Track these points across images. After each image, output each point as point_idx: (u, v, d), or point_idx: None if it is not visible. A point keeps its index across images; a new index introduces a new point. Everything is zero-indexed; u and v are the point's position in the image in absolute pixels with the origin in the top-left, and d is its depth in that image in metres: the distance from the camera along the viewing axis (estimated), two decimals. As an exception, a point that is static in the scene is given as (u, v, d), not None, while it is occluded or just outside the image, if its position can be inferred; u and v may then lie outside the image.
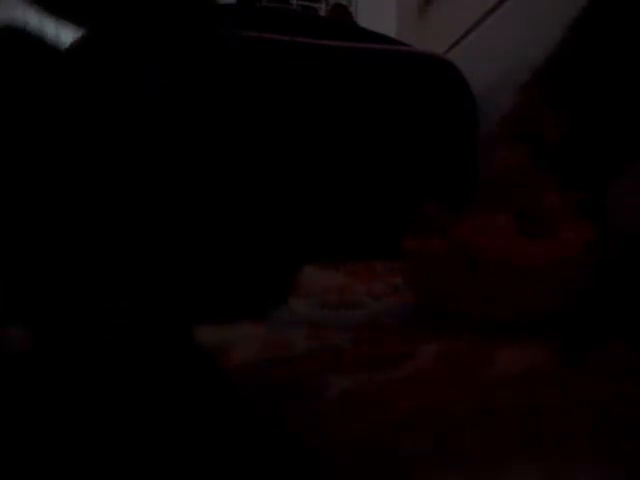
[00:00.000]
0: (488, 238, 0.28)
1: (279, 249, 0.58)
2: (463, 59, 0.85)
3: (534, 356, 0.25)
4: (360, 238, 0.67)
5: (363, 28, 0.86)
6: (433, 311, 0.30)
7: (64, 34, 0.59)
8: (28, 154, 0.59)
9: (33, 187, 0.58)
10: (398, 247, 0.33)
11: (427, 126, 0.74)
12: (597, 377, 0.24)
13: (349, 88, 0.72)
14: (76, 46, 0.59)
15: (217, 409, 0.36)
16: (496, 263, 0.28)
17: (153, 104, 0.62)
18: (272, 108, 0.67)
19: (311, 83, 0.71)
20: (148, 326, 0.42)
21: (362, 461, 0.24)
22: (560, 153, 0.29)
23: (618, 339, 0.26)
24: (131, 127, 0.63)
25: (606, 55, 0.30)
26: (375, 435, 0.22)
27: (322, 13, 3.49)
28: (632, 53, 0.30)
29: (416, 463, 0.23)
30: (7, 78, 0.59)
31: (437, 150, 0.74)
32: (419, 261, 0.31)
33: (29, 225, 0.56)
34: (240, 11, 0.77)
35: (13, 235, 0.55)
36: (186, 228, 0.59)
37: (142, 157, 0.63)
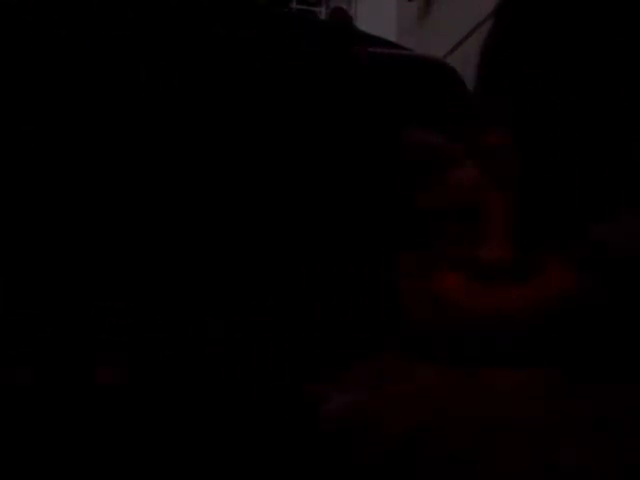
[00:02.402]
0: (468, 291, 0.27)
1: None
2: (463, 63, 0.85)
3: (531, 375, 0.24)
4: (363, 238, 0.67)
5: (362, 31, 0.85)
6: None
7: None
8: (27, 153, 0.59)
9: (33, 186, 0.57)
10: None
11: (427, 128, 0.74)
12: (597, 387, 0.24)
13: (347, 91, 0.72)
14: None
15: (213, 414, 0.36)
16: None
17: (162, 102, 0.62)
18: (271, 117, 0.67)
19: (316, 86, 0.70)
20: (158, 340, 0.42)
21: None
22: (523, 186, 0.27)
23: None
24: (134, 128, 0.63)
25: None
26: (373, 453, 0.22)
27: (322, 16, 3.50)
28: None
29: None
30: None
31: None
32: (421, 304, 0.29)
33: (29, 225, 0.56)
34: (235, 12, 0.77)
35: (13, 235, 0.54)
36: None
37: (148, 159, 0.63)
